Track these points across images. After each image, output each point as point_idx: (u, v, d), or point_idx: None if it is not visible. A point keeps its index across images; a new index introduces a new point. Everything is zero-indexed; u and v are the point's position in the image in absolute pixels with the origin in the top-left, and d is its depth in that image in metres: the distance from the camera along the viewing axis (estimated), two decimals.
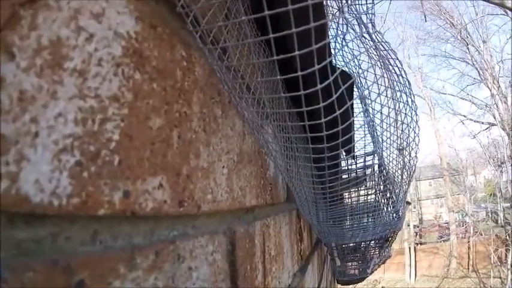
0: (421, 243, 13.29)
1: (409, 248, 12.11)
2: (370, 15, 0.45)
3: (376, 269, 1.50)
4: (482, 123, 10.90)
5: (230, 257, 0.29)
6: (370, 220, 0.71)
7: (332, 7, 0.50)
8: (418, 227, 14.26)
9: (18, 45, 0.12)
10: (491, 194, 11.91)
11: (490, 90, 10.16)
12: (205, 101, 0.25)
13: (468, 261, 10.77)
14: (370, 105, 0.41)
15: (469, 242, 10.86)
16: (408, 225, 12.78)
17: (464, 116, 11.56)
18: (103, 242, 0.16)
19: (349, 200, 0.69)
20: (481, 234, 10.25)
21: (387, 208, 0.71)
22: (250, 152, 0.35)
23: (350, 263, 1.24)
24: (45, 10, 0.13)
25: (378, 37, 0.42)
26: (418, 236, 13.63)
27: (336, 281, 1.69)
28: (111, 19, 0.17)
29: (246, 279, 0.32)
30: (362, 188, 0.68)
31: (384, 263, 1.57)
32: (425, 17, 10.74)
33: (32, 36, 0.12)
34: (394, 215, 0.73)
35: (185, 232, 0.24)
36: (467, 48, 11.07)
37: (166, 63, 0.21)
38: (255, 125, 0.34)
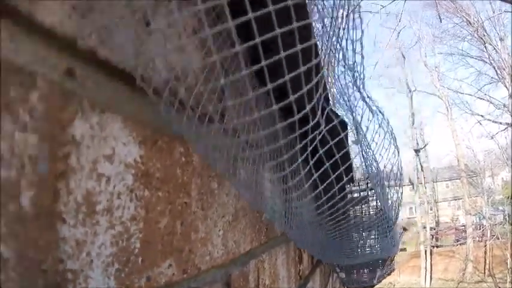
0: (437, 246, 13.07)
1: (425, 251, 11.94)
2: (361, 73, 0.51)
3: (381, 280, 1.54)
4: (500, 123, 10.64)
5: None
6: (367, 246, 0.76)
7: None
8: (434, 229, 14.03)
9: (64, 211, 0.18)
10: (509, 197, 11.59)
11: (508, 90, 9.91)
12: (202, 184, 0.32)
13: (484, 266, 10.54)
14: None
15: (485, 245, 10.63)
16: (424, 228, 12.58)
17: (482, 116, 11.29)
18: None
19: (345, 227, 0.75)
20: (498, 238, 10.02)
21: (383, 234, 0.76)
22: (245, 206, 0.42)
23: (356, 276, 1.29)
24: (73, 174, 0.20)
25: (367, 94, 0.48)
26: (434, 238, 13.40)
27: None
28: (120, 154, 0.23)
29: None
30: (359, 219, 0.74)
31: (389, 274, 1.61)
32: (439, 17, 10.54)
33: (71, 200, 0.19)
34: (390, 241, 0.78)
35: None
36: (485, 47, 10.82)
37: (167, 169, 0.27)
38: (250, 182, 0.40)
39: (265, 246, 0.48)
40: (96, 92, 0.22)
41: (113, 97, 0.24)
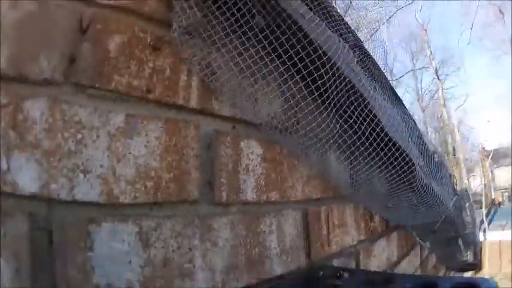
0: None
1: None
2: None
3: (478, 258, 1.58)
4: None
5: (305, 221, 0.71)
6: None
7: None
8: None
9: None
10: None
11: None
12: (288, 161, 0.69)
13: None
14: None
15: None
16: None
17: None
18: None
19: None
20: None
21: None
22: (314, 174, 0.77)
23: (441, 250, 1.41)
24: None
25: None
26: None
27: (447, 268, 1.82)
28: (256, 154, 0.62)
29: (314, 232, 0.73)
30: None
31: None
32: None
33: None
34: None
35: (282, 208, 0.67)
36: None
37: (275, 156, 0.66)
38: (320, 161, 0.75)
39: (333, 199, 0.81)
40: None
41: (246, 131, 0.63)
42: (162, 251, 0.49)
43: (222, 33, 0.58)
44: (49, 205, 0.41)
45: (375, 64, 0.88)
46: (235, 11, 0.56)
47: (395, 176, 0.82)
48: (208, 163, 0.58)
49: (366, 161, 0.82)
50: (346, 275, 0.62)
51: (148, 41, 0.53)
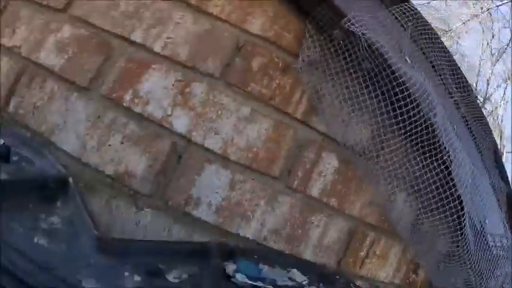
0: None
1: None
2: None
3: None
4: None
5: (350, 235, 0.86)
6: None
7: None
8: None
9: None
10: None
11: None
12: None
13: None
14: None
15: None
16: None
17: None
18: None
19: None
20: None
21: None
22: (379, 203, 0.88)
23: None
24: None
25: None
26: None
27: None
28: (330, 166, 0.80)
29: (353, 249, 0.87)
30: None
31: None
32: None
33: None
34: None
35: (335, 214, 0.84)
36: None
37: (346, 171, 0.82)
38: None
39: (385, 232, 0.91)
40: None
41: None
42: (238, 196, 0.76)
43: (333, 70, 0.76)
44: (188, 143, 0.72)
45: None
46: (347, 55, 0.73)
47: (459, 245, 0.85)
48: (293, 158, 0.80)
49: (434, 216, 0.87)
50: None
51: (280, 65, 0.77)
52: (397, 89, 0.74)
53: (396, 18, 0.84)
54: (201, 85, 0.75)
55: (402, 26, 0.88)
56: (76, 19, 0.73)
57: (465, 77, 1.02)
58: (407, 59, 0.84)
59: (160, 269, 0.50)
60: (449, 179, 0.80)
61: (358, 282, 0.89)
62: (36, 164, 0.56)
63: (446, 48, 1.00)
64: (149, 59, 0.74)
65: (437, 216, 0.89)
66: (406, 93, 0.74)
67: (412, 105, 0.76)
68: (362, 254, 0.90)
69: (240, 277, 0.60)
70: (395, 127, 0.82)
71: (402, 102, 0.74)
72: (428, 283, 1.02)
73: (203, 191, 0.74)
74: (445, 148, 0.80)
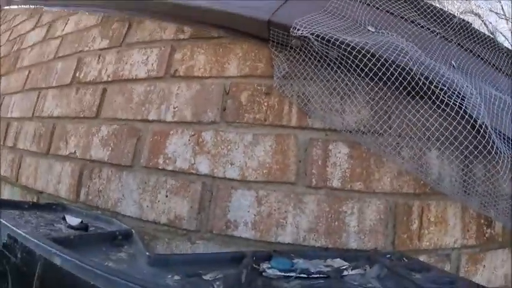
0: None
1: None
2: None
3: None
4: None
5: (392, 211, 0.86)
6: None
7: None
8: None
9: None
10: None
11: None
12: (379, 159, 0.86)
13: None
14: None
15: None
16: None
17: None
18: None
19: None
20: None
21: None
22: (409, 170, 0.87)
23: None
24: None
25: None
26: None
27: None
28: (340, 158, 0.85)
29: (402, 224, 0.86)
30: None
31: None
32: None
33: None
34: None
35: (365, 197, 0.86)
36: None
37: (363, 163, 0.85)
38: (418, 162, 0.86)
39: (431, 195, 0.87)
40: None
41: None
42: (268, 209, 0.87)
43: (310, 72, 0.85)
44: (213, 179, 0.88)
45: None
46: (311, 56, 0.82)
47: None
48: (304, 160, 0.89)
49: (485, 158, 0.81)
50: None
51: (263, 90, 0.90)
52: (365, 60, 0.79)
53: None
54: (209, 132, 0.93)
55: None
56: (107, 120, 1.02)
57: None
58: (370, 28, 0.88)
59: (199, 272, 0.61)
60: (468, 117, 0.77)
61: (423, 257, 0.86)
62: (107, 229, 0.78)
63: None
64: (167, 128, 0.97)
65: (488, 158, 0.82)
66: (374, 59, 0.78)
67: (388, 64, 0.78)
68: (415, 226, 0.88)
69: (271, 271, 0.68)
70: (389, 93, 0.85)
71: (379, 66, 0.78)
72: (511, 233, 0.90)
73: (237, 214, 0.88)
74: (449, 87, 0.78)
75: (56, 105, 1.25)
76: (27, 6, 1.79)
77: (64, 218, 0.80)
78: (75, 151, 1.05)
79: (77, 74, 1.22)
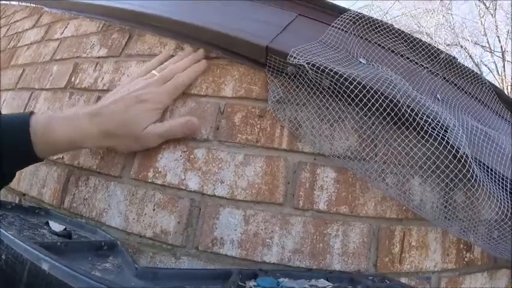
0: None
1: None
2: None
3: None
4: None
5: (375, 235, 0.89)
6: None
7: None
8: None
9: None
10: None
11: None
12: (362, 182, 0.89)
13: None
14: None
15: None
16: None
17: None
18: None
19: None
20: None
21: None
22: (392, 196, 0.91)
23: None
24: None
25: None
26: None
27: None
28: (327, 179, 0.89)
29: (384, 247, 0.89)
30: None
31: None
32: None
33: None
34: None
35: (350, 220, 0.89)
36: None
37: (346, 182, 0.89)
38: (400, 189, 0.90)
39: (412, 220, 0.91)
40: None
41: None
42: (255, 228, 0.89)
43: (303, 99, 0.89)
44: (202, 196, 0.89)
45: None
46: (305, 84, 0.86)
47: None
48: (292, 182, 0.91)
49: (465, 186, 0.86)
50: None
51: (257, 113, 0.93)
52: (356, 90, 0.83)
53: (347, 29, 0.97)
54: (201, 150, 0.95)
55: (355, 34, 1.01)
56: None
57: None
58: (362, 60, 0.94)
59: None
60: (450, 147, 0.82)
61: (404, 280, 0.89)
62: (91, 238, 0.77)
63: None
64: None
65: (468, 186, 0.87)
66: (365, 90, 0.83)
67: (377, 95, 0.83)
68: (396, 249, 0.90)
69: None
70: (376, 123, 0.90)
71: (368, 97, 0.82)
72: (490, 257, 0.95)
73: (224, 231, 0.88)
74: (433, 119, 0.84)
75: (47, 107, 1.23)
76: (27, 4, 1.77)
77: (47, 223, 0.78)
78: (63, 156, 1.04)
79: (72, 79, 1.22)
